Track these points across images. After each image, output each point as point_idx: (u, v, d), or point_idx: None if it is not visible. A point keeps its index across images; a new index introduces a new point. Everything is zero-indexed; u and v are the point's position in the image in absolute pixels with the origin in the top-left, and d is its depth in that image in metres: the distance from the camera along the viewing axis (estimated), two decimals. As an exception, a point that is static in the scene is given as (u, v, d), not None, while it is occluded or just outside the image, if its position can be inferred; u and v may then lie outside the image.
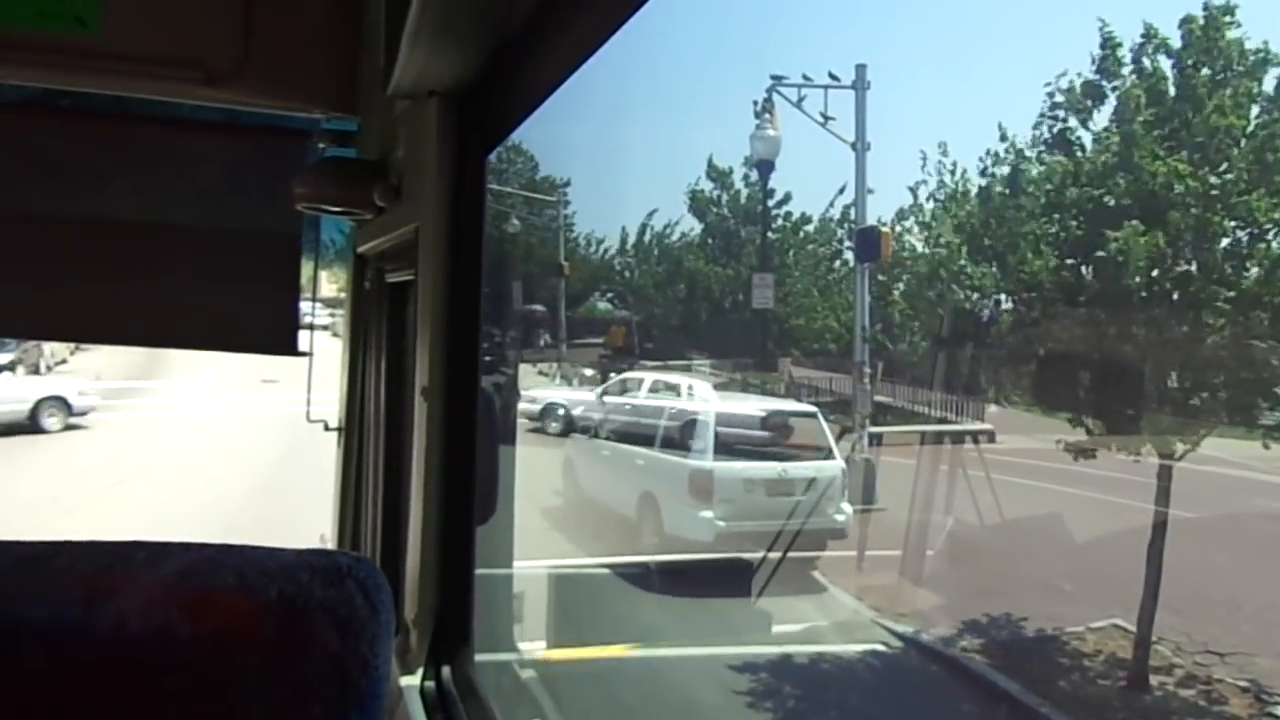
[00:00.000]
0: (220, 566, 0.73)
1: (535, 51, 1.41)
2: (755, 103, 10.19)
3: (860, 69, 9.02)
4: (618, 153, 14.09)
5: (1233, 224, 5.80)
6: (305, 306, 2.70)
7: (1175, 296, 5.94)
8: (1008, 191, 6.91)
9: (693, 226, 13.14)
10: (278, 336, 2.48)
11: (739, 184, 12.44)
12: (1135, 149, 6.04)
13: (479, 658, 1.77)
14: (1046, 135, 6.64)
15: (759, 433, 8.68)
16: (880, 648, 6.53)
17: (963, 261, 7.11)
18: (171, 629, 0.69)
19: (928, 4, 10.50)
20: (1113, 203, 6.16)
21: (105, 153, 2.36)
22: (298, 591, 0.71)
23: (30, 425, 12.84)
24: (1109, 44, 6.30)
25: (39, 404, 13.12)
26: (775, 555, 7.13)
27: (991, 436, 8.25)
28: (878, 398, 9.11)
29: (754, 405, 9.43)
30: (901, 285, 8.55)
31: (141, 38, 2.03)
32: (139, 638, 0.69)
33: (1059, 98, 6.50)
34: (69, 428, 13.17)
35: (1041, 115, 6.57)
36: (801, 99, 9.47)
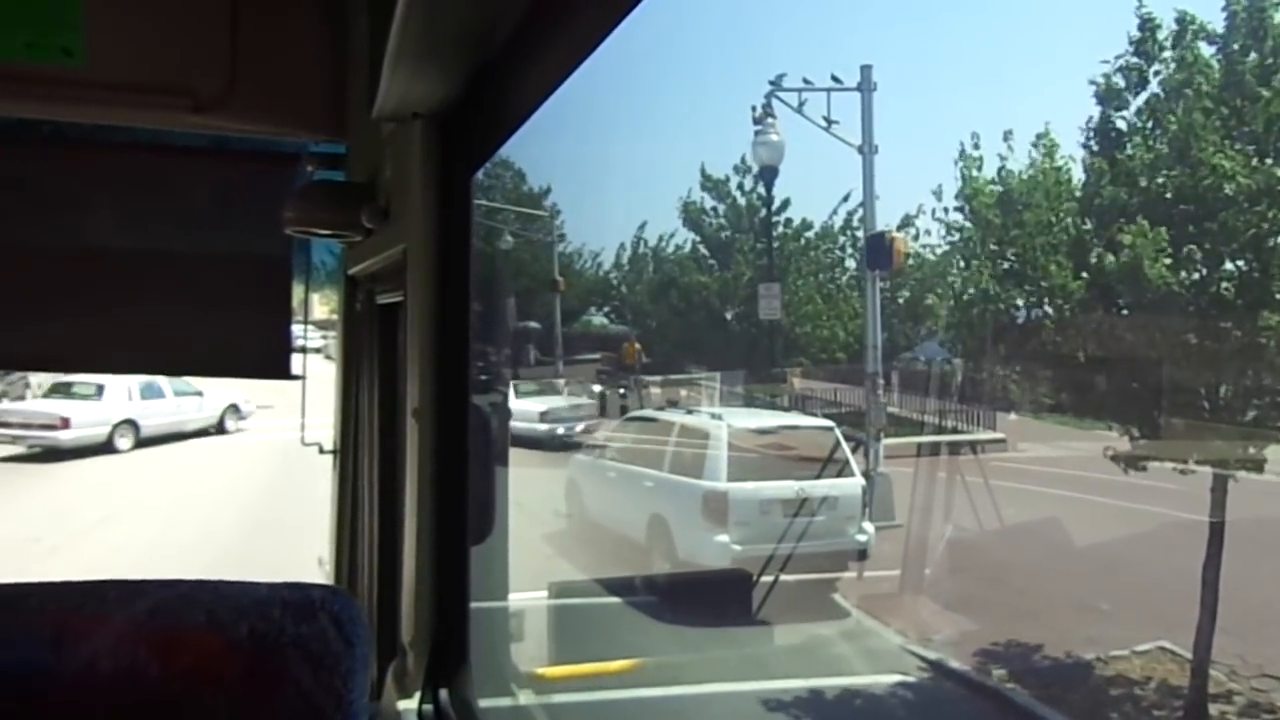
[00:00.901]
0: (192, 604, 0.75)
1: (517, 71, 1.46)
2: (754, 108, 10.23)
3: (865, 70, 9.02)
4: (611, 166, 14.27)
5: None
6: (297, 329, 2.77)
7: (1231, 298, 5.81)
8: (1032, 193, 6.77)
9: (687, 239, 13.26)
10: (271, 361, 2.55)
11: (735, 193, 12.52)
12: (1195, 139, 5.88)
13: (484, 703, 1.81)
14: (1089, 130, 6.47)
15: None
16: (912, 678, 6.39)
17: (988, 268, 6.98)
18: (140, 669, 0.70)
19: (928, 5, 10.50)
20: (1169, 198, 6.04)
21: (94, 182, 2.43)
22: (269, 628, 0.73)
23: (217, 429, 15.88)
24: (1147, 25, 6.19)
25: (225, 411, 15.96)
26: (794, 578, 7.07)
27: (1004, 445, 8.24)
28: (889, 409, 9.10)
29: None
30: (909, 291, 8.44)
31: (128, 67, 2.09)
32: (107, 679, 0.70)
33: (1115, 78, 6.32)
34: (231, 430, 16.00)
35: (1106, 81, 6.33)
36: (803, 103, 9.49)
